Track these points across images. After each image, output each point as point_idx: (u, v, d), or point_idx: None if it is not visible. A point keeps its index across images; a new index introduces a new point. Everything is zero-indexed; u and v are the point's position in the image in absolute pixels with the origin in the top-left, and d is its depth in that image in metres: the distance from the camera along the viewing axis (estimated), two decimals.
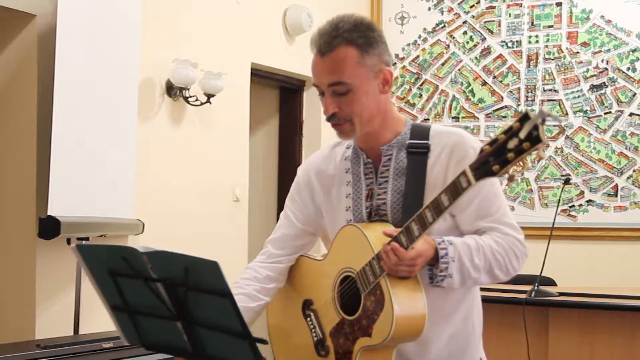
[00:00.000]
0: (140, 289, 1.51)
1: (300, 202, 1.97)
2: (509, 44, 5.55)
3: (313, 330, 1.90)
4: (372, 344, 1.72)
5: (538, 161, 5.40)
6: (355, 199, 1.86)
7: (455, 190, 1.58)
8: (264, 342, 1.48)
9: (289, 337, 2.00)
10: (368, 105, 1.76)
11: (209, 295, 1.43)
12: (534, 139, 1.43)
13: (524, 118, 1.44)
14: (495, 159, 1.49)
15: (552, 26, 5.43)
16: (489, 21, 5.62)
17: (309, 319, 1.92)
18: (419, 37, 5.84)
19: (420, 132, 1.82)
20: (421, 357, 1.82)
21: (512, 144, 1.46)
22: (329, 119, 1.78)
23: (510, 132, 1.46)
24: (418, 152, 1.79)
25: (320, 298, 1.89)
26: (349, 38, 1.72)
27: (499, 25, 5.59)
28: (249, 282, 1.92)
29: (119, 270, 1.53)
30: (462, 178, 1.56)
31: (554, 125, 5.34)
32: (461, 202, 1.72)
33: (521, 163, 1.47)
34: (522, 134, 1.44)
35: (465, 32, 5.69)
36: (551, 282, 4.14)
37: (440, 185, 1.70)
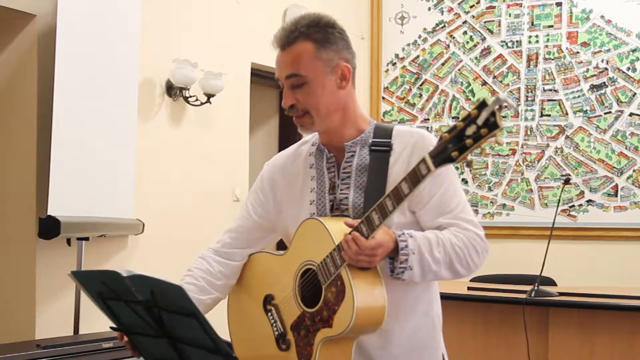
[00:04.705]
0: (126, 310, 1.57)
1: (261, 196, 2.01)
2: (509, 44, 5.55)
3: (274, 324, 1.91)
4: (333, 334, 1.73)
5: (538, 161, 5.41)
6: (319, 193, 1.89)
7: (415, 177, 1.60)
8: (235, 358, 1.49)
9: (250, 333, 2.00)
10: (324, 98, 1.81)
11: (177, 315, 1.47)
12: (491, 125, 1.46)
13: (482, 105, 1.48)
14: (454, 145, 1.53)
15: (552, 26, 5.43)
16: (489, 21, 5.62)
17: (270, 314, 1.93)
18: (419, 37, 5.84)
19: (383, 132, 1.87)
20: (384, 349, 1.84)
21: (470, 130, 1.50)
22: (288, 112, 1.84)
23: (469, 119, 1.50)
24: (380, 150, 1.84)
25: (281, 292, 1.91)
26: (306, 33, 1.81)
27: (499, 25, 5.59)
28: (201, 274, 1.98)
29: (104, 293, 1.58)
30: (422, 165, 1.59)
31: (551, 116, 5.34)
32: (421, 197, 1.78)
33: (479, 149, 1.50)
34: (480, 121, 1.48)
35: (465, 32, 5.69)
36: (551, 282, 4.14)
37: None
